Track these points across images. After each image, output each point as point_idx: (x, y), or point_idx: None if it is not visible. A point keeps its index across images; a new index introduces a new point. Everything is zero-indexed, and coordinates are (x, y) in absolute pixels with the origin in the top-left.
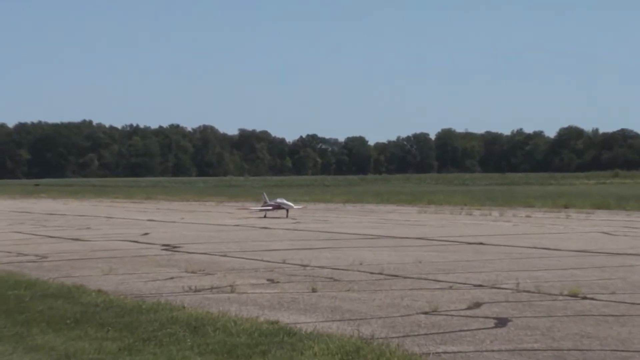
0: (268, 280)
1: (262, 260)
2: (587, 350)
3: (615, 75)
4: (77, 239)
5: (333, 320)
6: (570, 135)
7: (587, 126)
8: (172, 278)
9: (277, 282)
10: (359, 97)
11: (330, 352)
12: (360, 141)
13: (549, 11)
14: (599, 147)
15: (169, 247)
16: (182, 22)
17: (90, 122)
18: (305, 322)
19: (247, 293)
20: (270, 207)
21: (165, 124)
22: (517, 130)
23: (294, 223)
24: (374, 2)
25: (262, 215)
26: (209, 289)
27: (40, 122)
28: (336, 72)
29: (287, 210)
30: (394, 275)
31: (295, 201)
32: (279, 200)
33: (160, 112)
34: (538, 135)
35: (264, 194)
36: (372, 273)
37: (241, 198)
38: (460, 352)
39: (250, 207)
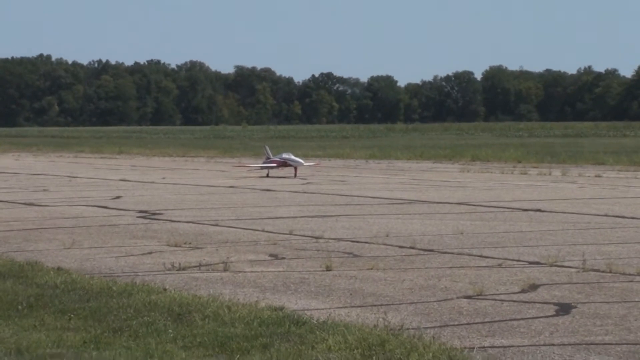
0: (271, 255)
1: (263, 231)
2: None
3: None
4: (31, 204)
5: (352, 306)
6: None
7: None
8: (150, 253)
9: (282, 258)
10: (385, 26)
11: (349, 345)
12: (387, 81)
13: None
14: None
15: (146, 214)
16: None
17: (49, 57)
18: (317, 308)
19: (244, 272)
20: (275, 164)
21: (142, 60)
22: (585, 69)
23: (304, 184)
24: None
25: (265, 174)
26: (196, 266)
27: None
28: None
29: (296, 168)
30: (428, 249)
31: (305, 157)
32: (285, 155)
33: (136, 45)
34: (611, 74)
35: (266, 147)
36: (401, 247)
37: (238, 153)
38: (512, 346)
39: (249, 164)
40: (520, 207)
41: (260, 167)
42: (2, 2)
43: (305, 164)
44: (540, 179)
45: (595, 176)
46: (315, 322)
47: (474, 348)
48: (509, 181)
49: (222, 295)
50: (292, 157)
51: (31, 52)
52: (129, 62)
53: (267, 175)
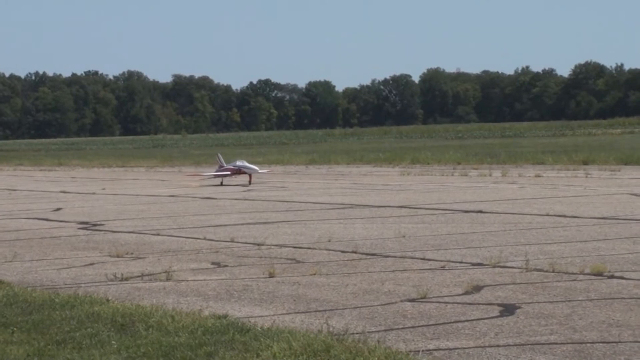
0: (213, 263)
1: (204, 239)
2: (616, 342)
3: None
4: None
5: (296, 313)
6: (588, 73)
7: (609, 62)
8: (92, 264)
9: (225, 265)
10: (323, 31)
11: (294, 352)
12: (325, 87)
13: None
14: (624, 88)
15: (87, 225)
16: None
17: None
18: (261, 315)
19: (187, 280)
20: (229, 172)
21: (79, 71)
22: (522, 69)
23: (245, 191)
24: None
25: (218, 183)
26: (138, 276)
27: None
28: (293, 0)
29: (250, 176)
30: (371, 253)
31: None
32: (238, 163)
33: (73, 56)
34: (548, 74)
35: (219, 155)
36: (343, 252)
37: (177, 162)
38: (457, 348)
39: (202, 172)
40: (461, 209)
41: (214, 175)
42: None
43: (260, 171)
44: (480, 180)
45: (535, 176)
46: (259, 329)
47: (419, 351)
48: (450, 183)
49: (166, 304)
50: (247, 164)
51: None
52: (66, 74)
53: (221, 184)
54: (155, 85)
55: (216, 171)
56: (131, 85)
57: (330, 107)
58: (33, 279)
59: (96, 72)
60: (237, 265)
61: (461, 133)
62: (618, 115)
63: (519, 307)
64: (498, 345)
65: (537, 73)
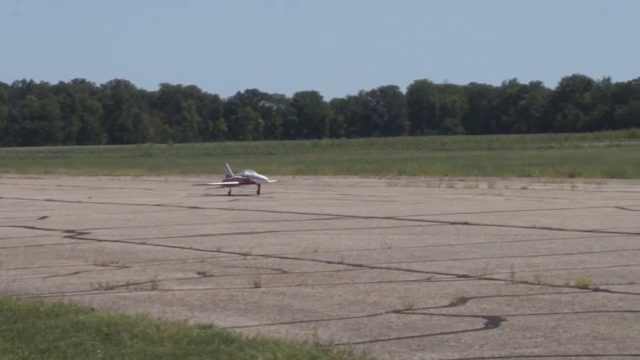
0: (199, 273)
1: (190, 249)
2: (600, 355)
3: (631, 10)
4: None
5: (281, 323)
6: (575, 86)
7: (596, 75)
8: (77, 273)
9: (211, 275)
10: (310, 41)
11: None
12: (312, 97)
13: None
14: (611, 101)
15: (73, 234)
16: None
17: None
18: (246, 325)
19: (173, 290)
20: (237, 182)
21: (67, 79)
22: (510, 82)
23: (231, 201)
24: None
25: (226, 193)
26: (124, 285)
27: None
28: (281, 10)
29: (259, 186)
30: (357, 264)
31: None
32: (247, 172)
33: (60, 64)
34: (535, 87)
35: (227, 164)
36: (329, 262)
37: (164, 170)
38: (442, 359)
39: (209, 182)
40: (447, 221)
41: (222, 185)
42: None
43: (269, 181)
44: (467, 192)
45: (522, 188)
46: (244, 339)
47: None
48: (436, 194)
49: (151, 314)
50: (255, 174)
51: None
52: (53, 82)
53: (229, 194)
54: (143, 94)
55: (223, 181)
56: (118, 94)
57: (317, 118)
58: (18, 287)
59: (83, 80)
60: (222, 275)
61: (448, 145)
62: (605, 128)
63: (504, 320)
64: (483, 358)
65: (525, 85)
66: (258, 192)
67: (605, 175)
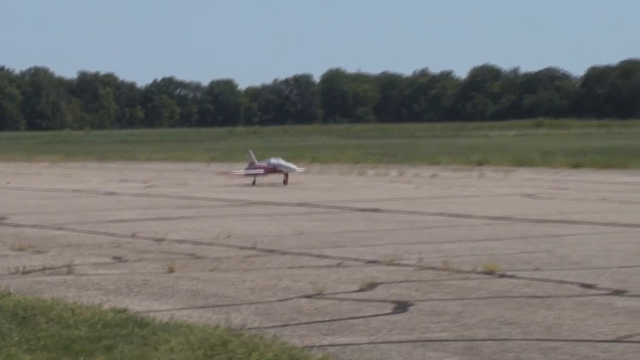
0: (114, 258)
1: (106, 234)
2: (506, 339)
3: (539, 2)
4: None
5: (194, 307)
6: (484, 76)
7: (505, 65)
8: None
9: (125, 260)
10: (226, 30)
11: (191, 346)
12: (228, 85)
13: None
14: (519, 91)
15: None
16: None
17: None
18: (159, 310)
19: (88, 275)
20: (262, 171)
21: None
22: (420, 71)
23: (146, 187)
24: None
25: (251, 182)
26: (40, 270)
27: None
28: None
29: (286, 175)
30: (269, 250)
31: (149, 160)
32: (273, 160)
33: None
34: (445, 76)
35: (250, 152)
36: (242, 248)
37: (81, 157)
38: (351, 344)
39: (233, 170)
40: (358, 207)
41: (246, 173)
42: None
43: (298, 170)
44: (377, 180)
45: (431, 176)
46: (157, 323)
47: (313, 347)
48: (348, 182)
49: (66, 298)
50: (282, 162)
51: None
52: None
53: (254, 184)
54: (61, 81)
55: (247, 169)
56: (37, 81)
57: (232, 106)
58: None
59: (2, 68)
60: (137, 260)
61: (360, 133)
62: (512, 117)
63: (412, 305)
64: (391, 342)
65: (435, 75)
66: (285, 182)
67: (513, 164)
